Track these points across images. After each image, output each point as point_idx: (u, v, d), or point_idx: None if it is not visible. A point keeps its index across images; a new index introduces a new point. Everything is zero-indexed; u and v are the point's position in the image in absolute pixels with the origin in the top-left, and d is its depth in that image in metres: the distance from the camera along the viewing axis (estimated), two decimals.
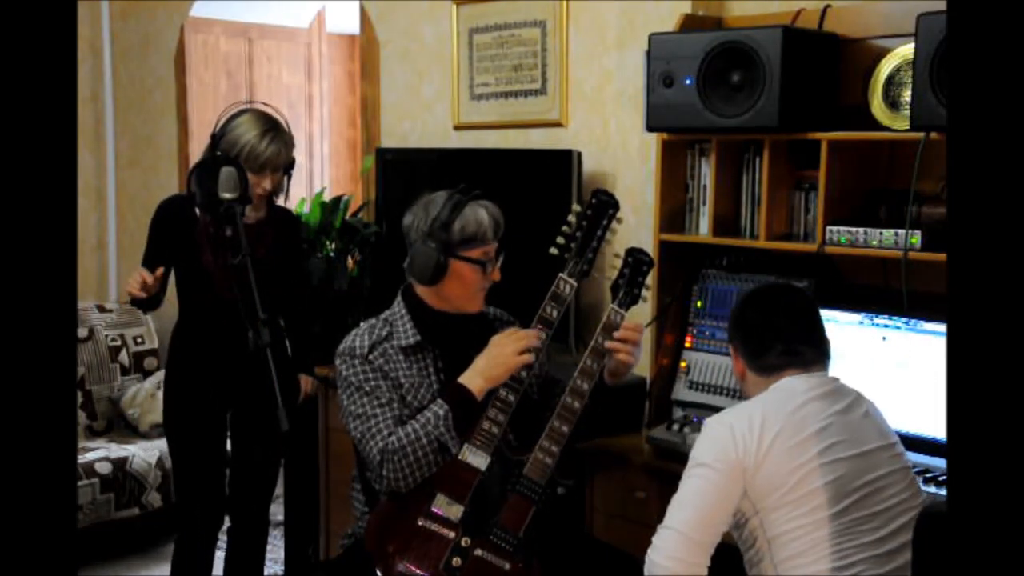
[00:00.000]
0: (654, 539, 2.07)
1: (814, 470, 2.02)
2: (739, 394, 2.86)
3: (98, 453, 4.15)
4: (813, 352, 2.18)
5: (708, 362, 2.95)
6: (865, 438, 2.10)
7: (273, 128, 2.93)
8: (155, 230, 3.05)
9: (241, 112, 2.95)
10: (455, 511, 2.37)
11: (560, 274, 2.47)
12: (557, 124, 3.55)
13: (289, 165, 3.01)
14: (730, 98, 2.72)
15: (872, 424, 2.15)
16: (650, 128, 2.91)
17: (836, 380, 2.18)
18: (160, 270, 2.87)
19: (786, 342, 2.16)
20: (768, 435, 2.02)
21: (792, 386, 2.12)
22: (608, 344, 2.44)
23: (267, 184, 2.92)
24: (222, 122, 2.92)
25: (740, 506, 2.06)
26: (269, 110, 3.03)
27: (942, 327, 2.53)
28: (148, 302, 3.04)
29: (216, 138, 2.89)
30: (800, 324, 2.20)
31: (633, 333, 2.44)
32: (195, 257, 2.98)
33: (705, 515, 2.03)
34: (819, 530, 2.01)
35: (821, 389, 2.12)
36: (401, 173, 3.79)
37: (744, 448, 2.02)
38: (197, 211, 2.93)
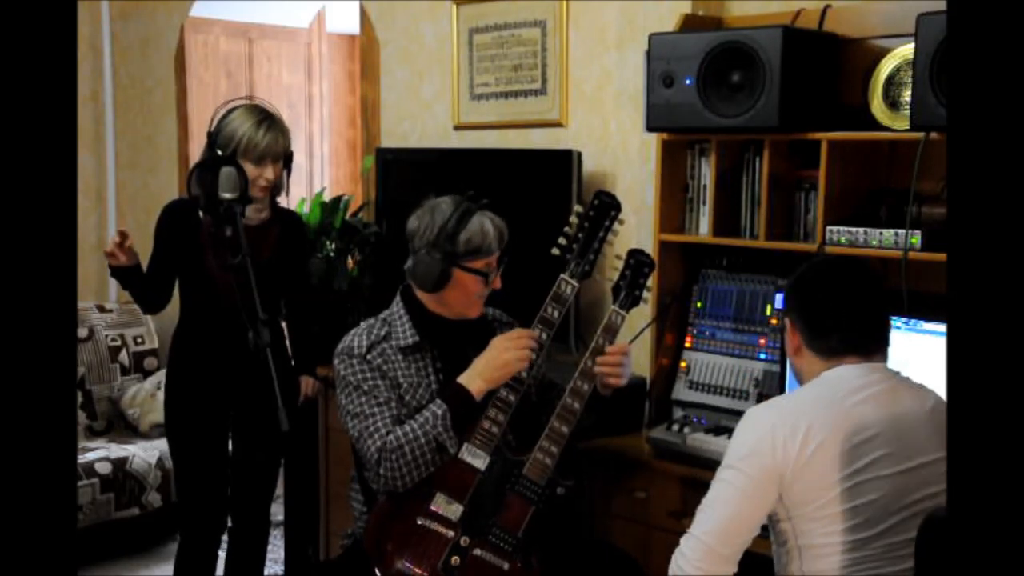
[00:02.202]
0: (682, 542, 1.98)
1: (854, 487, 1.90)
2: (740, 394, 2.86)
3: (98, 453, 4.15)
4: (876, 338, 2.04)
5: (708, 362, 2.95)
6: (918, 449, 1.94)
7: (268, 118, 2.94)
8: (159, 234, 3.05)
9: (234, 108, 2.95)
10: (454, 510, 2.37)
11: (561, 275, 2.48)
12: (557, 124, 3.55)
13: (288, 158, 3.01)
14: (730, 98, 2.72)
15: (933, 427, 1.97)
16: (650, 128, 2.91)
17: (896, 374, 2.05)
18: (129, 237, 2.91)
19: (850, 325, 2.02)
20: (811, 443, 1.89)
21: (847, 379, 1.98)
22: (597, 370, 2.46)
23: (269, 174, 2.92)
24: (216, 120, 2.93)
25: (775, 507, 1.96)
26: (261, 102, 3.03)
27: (942, 327, 2.53)
28: (147, 297, 3.05)
29: (212, 136, 2.90)
30: (867, 306, 2.05)
31: (615, 357, 2.47)
32: (198, 260, 2.98)
33: (733, 525, 1.94)
34: (854, 552, 1.90)
35: (879, 386, 1.98)
36: (401, 173, 3.79)
37: (783, 455, 1.90)
38: (201, 214, 2.93)
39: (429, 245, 2.42)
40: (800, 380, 2.12)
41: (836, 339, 2.02)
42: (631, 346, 2.59)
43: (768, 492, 1.92)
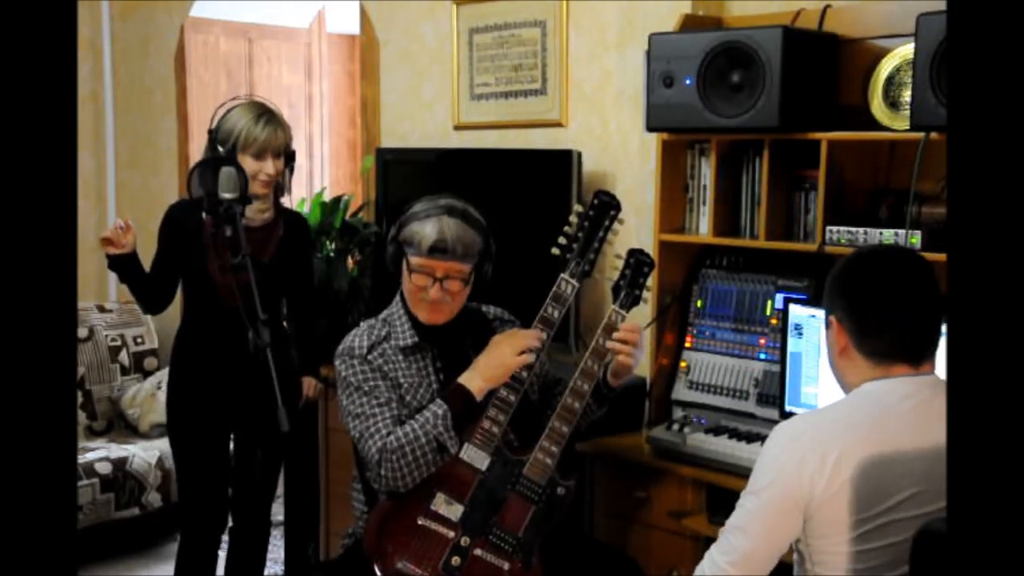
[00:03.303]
0: (705, 564, 1.90)
1: (877, 528, 1.78)
2: (740, 394, 2.86)
3: (98, 453, 4.15)
4: (929, 343, 1.86)
5: (708, 362, 2.95)
6: None
7: (267, 112, 2.95)
8: (163, 235, 3.05)
9: (234, 105, 2.96)
10: (455, 510, 2.37)
11: (561, 274, 2.48)
12: (557, 124, 3.55)
13: (290, 156, 3.01)
14: (730, 98, 2.72)
15: None
16: (650, 128, 2.91)
17: (944, 385, 1.84)
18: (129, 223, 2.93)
19: (905, 326, 1.83)
20: (840, 477, 1.77)
21: (891, 398, 1.83)
22: (608, 344, 2.44)
23: (269, 169, 2.92)
24: (217, 118, 2.94)
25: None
26: (261, 99, 3.04)
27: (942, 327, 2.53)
28: (149, 298, 3.05)
29: (213, 133, 2.91)
30: (925, 304, 1.84)
31: (632, 335, 2.44)
32: (201, 262, 2.97)
33: (756, 555, 1.85)
34: None
35: (923, 408, 1.81)
36: (401, 173, 3.79)
37: (810, 486, 1.78)
38: (204, 216, 2.93)
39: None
40: (843, 385, 1.96)
41: (888, 340, 1.85)
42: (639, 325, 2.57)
43: (794, 520, 1.82)
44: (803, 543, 1.87)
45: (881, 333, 1.85)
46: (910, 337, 1.85)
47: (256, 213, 2.96)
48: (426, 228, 2.40)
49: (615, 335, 2.45)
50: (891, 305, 1.85)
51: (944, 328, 1.88)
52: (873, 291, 1.87)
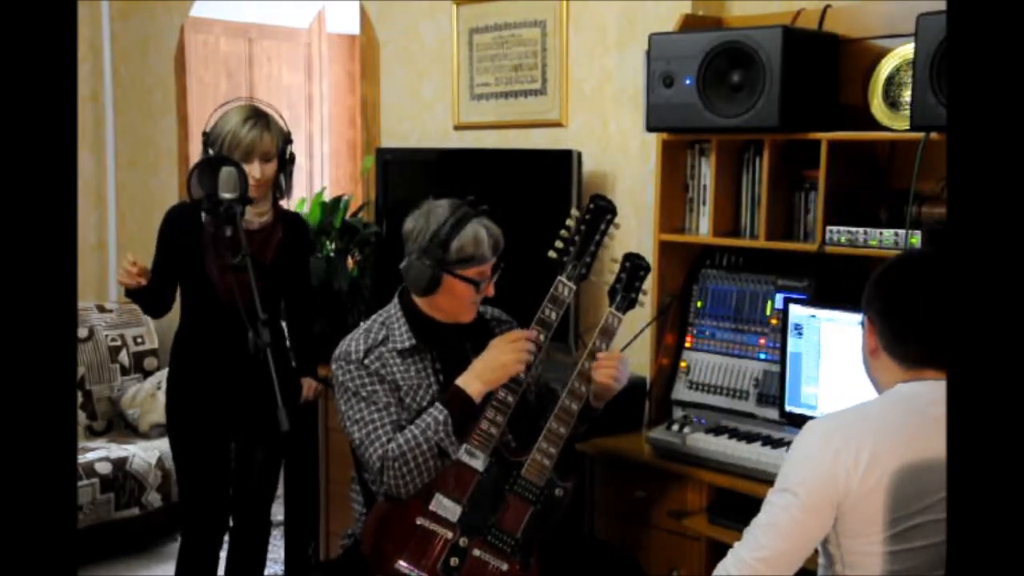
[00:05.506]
0: (730, 560, 1.85)
1: (918, 527, 1.75)
2: (740, 394, 2.86)
3: (98, 453, 4.15)
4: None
5: (708, 362, 2.95)
6: None
7: (256, 115, 2.92)
8: (162, 237, 3.05)
9: (229, 108, 2.96)
10: (453, 511, 2.37)
11: (559, 277, 2.48)
12: (557, 124, 3.55)
13: (289, 159, 3.00)
14: (730, 98, 2.72)
15: None
16: (650, 128, 2.91)
17: None
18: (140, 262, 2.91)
19: (938, 332, 1.80)
20: (875, 475, 1.75)
21: (923, 399, 1.81)
22: (594, 374, 2.44)
23: (256, 172, 2.88)
24: (213, 120, 2.94)
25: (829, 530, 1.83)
26: (258, 102, 3.03)
27: None
28: (152, 303, 3.05)
29: (206, 135, 2.91)
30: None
31: (608, 361, 2.45)
32: (199, 263, 2.97)
33: (787, 554, 1.81)
34: None
35: None
36: (401, 173, 3.79)
37: (846, 484, 1.76)
38: (203, 216, 2.93)
39: (420, 250, 2.41)
40: (876, 386, 1.95)
41: (919, 348, 1.84)
42: (624, 353, 2.57)
43: (826, 517, 1.79)
44: (833, 544, 1.84)
45: (911, 340, 1.85)
46: (940, 344, 1.81)
47: (254, 216, 2.96)
48: (480, 235, 2.42)
49: (597, 360, 2.45)
50: (923, 313, 1.83)
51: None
52: (906, 297, 1.86)
